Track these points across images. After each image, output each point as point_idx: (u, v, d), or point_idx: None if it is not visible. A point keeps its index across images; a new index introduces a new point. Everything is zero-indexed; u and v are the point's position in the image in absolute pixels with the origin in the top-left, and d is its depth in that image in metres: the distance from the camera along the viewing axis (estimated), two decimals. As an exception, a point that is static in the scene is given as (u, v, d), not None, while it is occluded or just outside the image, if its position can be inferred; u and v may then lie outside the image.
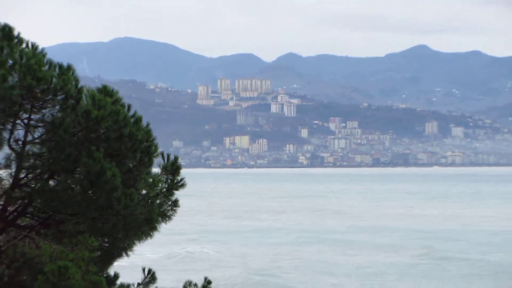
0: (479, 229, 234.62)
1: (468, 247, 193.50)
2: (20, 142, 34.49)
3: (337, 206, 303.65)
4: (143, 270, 39.76)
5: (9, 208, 35.23)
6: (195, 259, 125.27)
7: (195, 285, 38.48)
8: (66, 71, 33.24)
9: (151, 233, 36.72)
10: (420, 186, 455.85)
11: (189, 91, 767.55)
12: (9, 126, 34.18)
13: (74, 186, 33.90)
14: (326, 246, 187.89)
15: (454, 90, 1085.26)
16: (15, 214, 35.15)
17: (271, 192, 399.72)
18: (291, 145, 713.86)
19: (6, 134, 33.92)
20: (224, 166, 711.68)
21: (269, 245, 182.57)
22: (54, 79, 33.58)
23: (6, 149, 34.00)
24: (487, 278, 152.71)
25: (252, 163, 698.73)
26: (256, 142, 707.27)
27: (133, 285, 41.25)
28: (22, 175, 35.66)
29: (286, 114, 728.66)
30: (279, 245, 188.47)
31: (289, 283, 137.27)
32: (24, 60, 33.27)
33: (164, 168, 37.50)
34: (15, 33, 34.03)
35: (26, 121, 34.66)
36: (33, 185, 35.45)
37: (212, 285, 35.48)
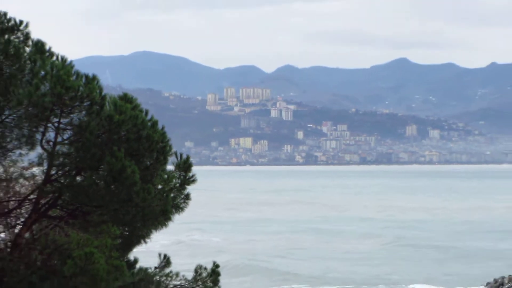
0: (450, 219, 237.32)
1: (439, 235, 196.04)
2: (51, 143, 35.41)
3: (327, 199, 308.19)
4: (159, 255, 40.66)
5: (41, 201, 35.86)
6: (202, 246, 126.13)
7: (205, 268, 39.74)
8: (91, 81, 34.16)
9: (166, 223, 37.56)
10: (401, 181, 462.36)
11: (199, 98, 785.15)
12: (41, 129, 35.15)
13: (98, 181, 34.39)
14: (317, 235, 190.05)
15: (431, 97, 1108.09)
16: (47, 206, 35.78)
17: (271, 186, 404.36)
18: (289, 146, 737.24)
19: (38, 136, 35.09)
20: (230, 164, 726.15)
21: (268, 234, 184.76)
22: (81, 88, 34.30)
23: (38, 149, 34.98)
24: (453, 261, 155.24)
25: (254, 161, 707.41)
26: (258, 143, 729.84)
27: (150, 269, 41.20)
28: (52, 172, 36.58)
29: (284, 118, 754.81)
30: (277, 233, 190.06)
31: (286, 267, 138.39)
32: (54, 71, 33.73)
33: (178, 166, 38.61)
34: (47, 47, 35.03)
35: (56, 124, 35.27)
36: (62, 181, 36.09)
37: (219, 268, 38.71)
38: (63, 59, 36.14)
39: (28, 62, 34.88)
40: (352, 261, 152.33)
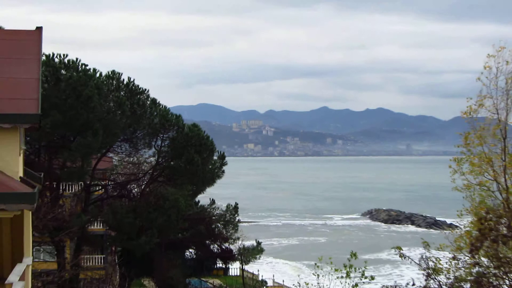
0: (326, 183, 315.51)
1: (318, 190, 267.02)
2: (158, 145, 48.44)
3: (275, 172, 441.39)
4: (210, 199, 57.91)
5: (154, 173, 49.28)
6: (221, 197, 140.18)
7: (231, 205, 58.25)
8: (178, 117, 48.94)
9: (213, 184, 51.24)
10: (320, 164, 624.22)
11: (229, 125, 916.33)
12: (154, 139, 48.19)
13: (181, 164, 45.36)
14: (265, 189, 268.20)
15: (338, 125, 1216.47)
16: (157, 176, 49.42)
17: (255, 166, 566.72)
18: (271, 148, 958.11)
19: (153, 142, 48.35)
20: (243, 156, 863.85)
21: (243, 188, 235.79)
22: (173, 120, 47.29)
23: (153, 149, 49.23)
24: (330, 201, 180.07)
25: (255, 155, 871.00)
26: (256, 146, 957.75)
27: (205, 205, 56.14)
28: (160, 160, 46.85)
29: (268, 134, 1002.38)
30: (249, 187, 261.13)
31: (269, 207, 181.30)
32: (160, 112, 48.45)
33: (218, 157, 51.78)
34: (157, 100, 48.74)
35: (161, 137, 48.07)
36: (164, 164, 47.56)
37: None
38: (164, 106, 47.74)
39: (148, 107, 46.26)
40: (278, 201, 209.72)
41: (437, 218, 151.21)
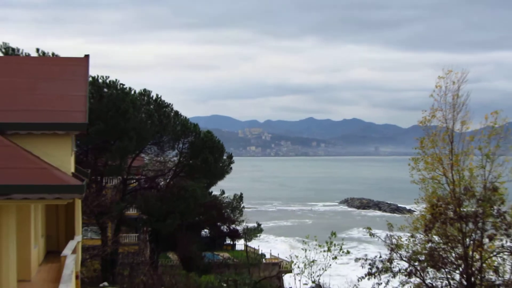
0: (305, 177, 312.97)
1: (300, 183, 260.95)
2: (179, 148, 48.75)
3: (265, 169, 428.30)
4: (220, 189, 56.95)
5: (177, 170, 48.87)
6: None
7: (237, 194, 57.94)
8: (195, 125, 48.70)
9: (223, 178, 51.07)
10: (305, 163, 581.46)
11: (235, 131, 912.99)
12: (177, 143, 48.15)
13: (198, 163, 44.88)
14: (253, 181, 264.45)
15: (321, 131, 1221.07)
16: (179, 171, 48.91)
17: (254, 164, 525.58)
18: (268, 149, 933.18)
19: (176, 145, 48.25)
20: (247, 156, 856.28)
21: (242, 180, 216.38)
22: (192, 127, 46.73)
23: (176, 151, 49.13)
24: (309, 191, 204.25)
25: (256, 155, 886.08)
26: (257, 148, 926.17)
27: (216, 195, 56.08)
28: (181, 159, 46.87)
29: (266, 139, 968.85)
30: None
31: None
32: (182, 122, 47.86)
33: (227, 156, 51.69)
34: (179, 112, 47.57)
35: (182, 141, 47.26)
36: (184, 162, 47.38)
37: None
38: (184, 116, 47.53)
39: (172, 118, 45.81)
40: (272, 191, 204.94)
41: (399, 205, 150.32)
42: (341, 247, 40.41)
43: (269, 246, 76.36)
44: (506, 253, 24.36)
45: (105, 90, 40.76)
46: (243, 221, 57.50)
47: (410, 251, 25.38)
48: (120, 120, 39.45)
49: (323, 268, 42.26)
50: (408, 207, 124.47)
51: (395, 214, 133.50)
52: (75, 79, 20.49)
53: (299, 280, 45.16)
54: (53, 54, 39.57)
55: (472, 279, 23.91)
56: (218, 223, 59.17)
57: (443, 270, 24.64)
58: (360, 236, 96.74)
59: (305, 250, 43.19)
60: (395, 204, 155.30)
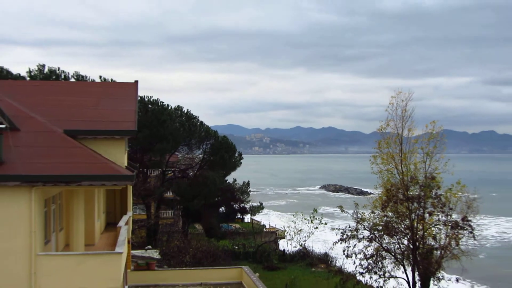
0: (292, 170, 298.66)
1: (292, 174, 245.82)
2: (203, 148, 46.35)
3: (263, 164, 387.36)
4: (233, 178, 52.92)
5: (201, 164, 47.06)
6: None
7: (245, 181, 55.37)
8: (215, 132, 47.52)
9: (235, 170, 50.37)
10: (296, 159, 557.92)
11: (244, 136, 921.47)
12: (202, 144, 47.63)
13: (217, 159, 43.61)
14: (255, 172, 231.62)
15: (305, 135, 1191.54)
16: (203, 165, 47.30)
17: (254, 160, 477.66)
18: (268, 149, 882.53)
19: (201, 146, 46.47)
20: (252, 154, 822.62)
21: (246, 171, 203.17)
22: (212, 133, 45.32)
23: (201, 150, 46.77)
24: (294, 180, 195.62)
25: (259, 154, 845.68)
26: (260, 148, 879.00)
27: (232, 183, 52.02)
28: (204, 156, 46.02)
29: (267, 142, 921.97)
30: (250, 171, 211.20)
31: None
32: (205, 129, 46.13)
33: (238, 155, 50.40)
34: (203, 121, 46.14)
35: (206, 142, 45.47)
36: (207, 158, 46.64)
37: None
38: (207, 125, 46.60)
39: (198, 126, 45.31)
40: (268, 179, 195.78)
41: (363, 189, 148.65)
42: (320, 220, 40.85)
43: (268, 219, 76.09)
44: (441, 225, 24.19)
45: (149, 106, 40.56)
46: (249, 201, 56.92)
47: (371, 223, 25.19)
48: (160, 128, 39.34)
49: (307, 235, 42.85)
50: (369, 191, 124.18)
51: (360, 196, 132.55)
52: (128, 98, 20.32)
53: (290, 244, 45.88)
54: (111, 79, 39.49)
55: (417, 244, 23.76)
56: (231, 203, 58.34)
57: (395, 237, 24.44)
58: (334, 212, 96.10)
59: (294, 222, 43.63)
60: (360, 189, 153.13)
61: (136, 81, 21.56)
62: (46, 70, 38.18)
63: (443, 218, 23.89)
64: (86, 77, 39.33)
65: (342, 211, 26.54)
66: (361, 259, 24.50)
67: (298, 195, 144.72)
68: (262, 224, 61.24)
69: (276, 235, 55.85)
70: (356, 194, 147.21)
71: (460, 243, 23.74)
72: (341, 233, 25.37)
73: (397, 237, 24.34)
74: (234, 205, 60.10)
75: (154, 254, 34.83)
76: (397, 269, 24.58)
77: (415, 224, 23.74)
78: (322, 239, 47.81)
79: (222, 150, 44.90)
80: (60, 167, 13.91)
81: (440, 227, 24.26)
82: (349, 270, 28.88)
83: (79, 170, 13.93)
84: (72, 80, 38.43)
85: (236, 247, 42.13)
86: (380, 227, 24.59)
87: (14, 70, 37.04)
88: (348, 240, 25.02)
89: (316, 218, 39.75)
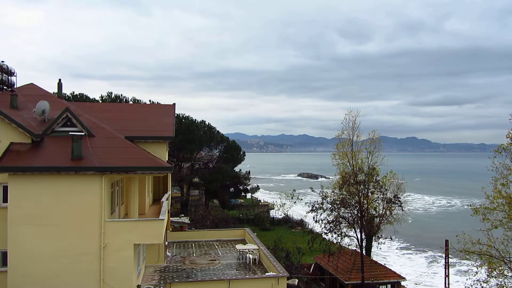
0: (285, 164, 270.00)
1: (288, 168, 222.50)
2: (219, 148, 44.46)
3: (261, 160, 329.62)
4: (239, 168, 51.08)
5: (218, 159, 43.78)
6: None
7: (246, 169, 50.68)
8: (227, 137, 44.02)
9: (240, 163, 47.61)
10: (286, 156, 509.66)
11: (246, 141, 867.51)
12: (217, 146, 44.44)
13: (228, 156, 41.42)
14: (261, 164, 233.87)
15: (288, 141, 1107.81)
16: (218, 160, 45.38)
17: (254, 157, 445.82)
18: (267, 149, 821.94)
19: (217, 147, 43.91)
20: (251, 152, 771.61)
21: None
22: (224, 138, 43.38)
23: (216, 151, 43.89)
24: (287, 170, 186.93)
25: (259, 153, 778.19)
26: (256, 148, 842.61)
27: (238, 172, 50.06)
28: (219, 154, 44.39)
29: (261, 144, 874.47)
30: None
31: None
32: (220, 135, 42.70)
33: (242, 153, 48.29)
34: (219, 130, 43.69)
35: (220, 146, 43.58)
36: (221, 155, 44.19)
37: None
38: (222, 133, 45.02)
39: (216, 134, 43.60)
40: (262, 169, 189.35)
41: (326, 176, 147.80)
42: (298, 196, 40.90)
43: (262, 196, 75.28)
44: (379, 200, 24.12)
45: (183, 120, 39.73)
46: (250, 184, 56.30)
47: (332, 199, 24.65)
48: (190, 135, 38.67)
49: (289, 207, 42.85)
50: (331, 177, 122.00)
51: (324, 179, 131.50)
52: (168, 115, 20.08)
53: (277, 213, 45.65)
54: (157, 102, 38.98)
55: (363, 213, 23.41)
56: (238, 185, 57.38)
57: (348, 209, 23.93)
58: (306, 192, 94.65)
59: (280, 198, 43.54)
60: (324, 175, 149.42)
61: (174, 104, 21.41)
62: (112, 95, 38.29)
63: (381, 196, 23.82)
64: (140, 100, 39.33)
65: (312, 191, 26.13)
66: (325, 224, 23.93)
67: (282, 180, 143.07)
68: (258, 199, 60.80)
69: (268, 207, 55.42)
70: (322, 179, 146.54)
71: (393, 213, 23.92)
72: (312, 205, 24.79)
73: (350, 208, 23.92)
74: (240, 186, 59.30)
75: (186, 220, 34.39)
76: (350, 230, 24.29)
77: (362, 200, 23.47)
78: (298, 210, 47.11)
79: (232, 150, 44.02)
80: (122, 161, 13.91)
81: (379, 202, 24.25)
82: (317, 231, 28.70)
83: (135, 163, 13.91)
84: (131, 102, 38.32)
85: (241, 215, 41.54)
86: (338, 202, 24.16)
87: (91, 96, 37.38)
88: (316, 210, 24.49)
89: (295, 196, 39.62)
